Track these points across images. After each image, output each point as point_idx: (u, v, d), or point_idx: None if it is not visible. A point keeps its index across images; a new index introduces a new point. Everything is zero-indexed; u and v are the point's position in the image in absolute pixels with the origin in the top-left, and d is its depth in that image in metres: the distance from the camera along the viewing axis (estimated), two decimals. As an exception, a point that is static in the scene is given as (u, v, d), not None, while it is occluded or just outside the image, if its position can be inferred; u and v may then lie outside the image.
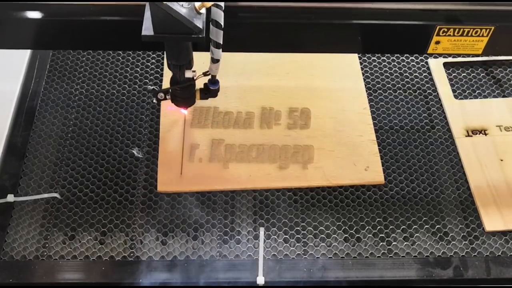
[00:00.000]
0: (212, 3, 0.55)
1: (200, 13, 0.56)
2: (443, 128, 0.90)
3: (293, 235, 0.78)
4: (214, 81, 0.73)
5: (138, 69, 0.95)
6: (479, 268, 0.75)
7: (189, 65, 0.67)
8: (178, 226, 0.78)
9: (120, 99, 0.91)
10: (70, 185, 0.81)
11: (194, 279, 0.73)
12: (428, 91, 0.94)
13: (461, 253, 0.77)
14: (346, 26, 0.61)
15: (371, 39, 0.62)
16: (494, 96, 0.94)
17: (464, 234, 0.78)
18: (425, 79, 0.96)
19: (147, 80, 0.94)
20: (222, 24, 0.56)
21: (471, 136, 0.88)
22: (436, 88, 0.95)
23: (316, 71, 0.95)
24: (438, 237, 0.78)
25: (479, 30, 0.60)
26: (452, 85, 0.95)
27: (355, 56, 0.98)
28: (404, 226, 0.79)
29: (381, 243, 0.77)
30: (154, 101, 0.90)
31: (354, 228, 0.79)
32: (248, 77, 0.94)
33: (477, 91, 0.95)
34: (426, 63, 0.98)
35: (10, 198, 0.79)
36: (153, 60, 0.97)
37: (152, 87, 0.93)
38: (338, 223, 0.79)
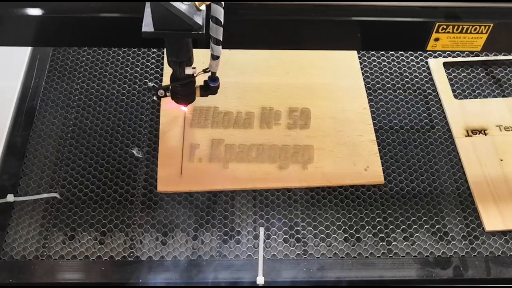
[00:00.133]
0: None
1: (200, 10, 0.56)
2: (443, 128, 0.90)
3: (293, 235, 0.78)
4: (214, 78, 0.73)
5: (138, 68, 0.96)
6: (479, 268, 0.75)
7: (189, 62, 0.67)
8: (178, 226, 0.78)
9: (120, 98, 0.91)
10: (70, 185, 0.81)
11: (194, 279, 0.73)
12: (428, 91, 0.94)
13: (461, 253, 0.76)
14: (345, 23, 0.61)
15: (371, 36, 0.62)
16: (494, 96, 0.94)
17: (464, 234, 0.78)
18: (425, 79, 0.96)
19: (147, 80, 0.94)
20: (222, 21, 0.56)
21: (471, 136, 0.88)
22: (436, 88, 0.95)
23: (316, 71, 0.96)
24: (438, 237, 0.78)
25: (478, 27, 0.60)
26: (452, 85, 0.95)
27: (355, 56, 0.98)
28: (404, 226, 0.79)
29: (381, 243, 0.77)
30: (154, 98, 0.90)
31: (354, 228, 0.78)
32: (248, 77, 0.94)
33: (477, 91, 0.95)
34: (426, 63, 0.98)
35: (10, 198, 0.79)
36: (153, 60, 0.97)
37: (152, 84, 0.93)
38: (338, 223, 0.79)
